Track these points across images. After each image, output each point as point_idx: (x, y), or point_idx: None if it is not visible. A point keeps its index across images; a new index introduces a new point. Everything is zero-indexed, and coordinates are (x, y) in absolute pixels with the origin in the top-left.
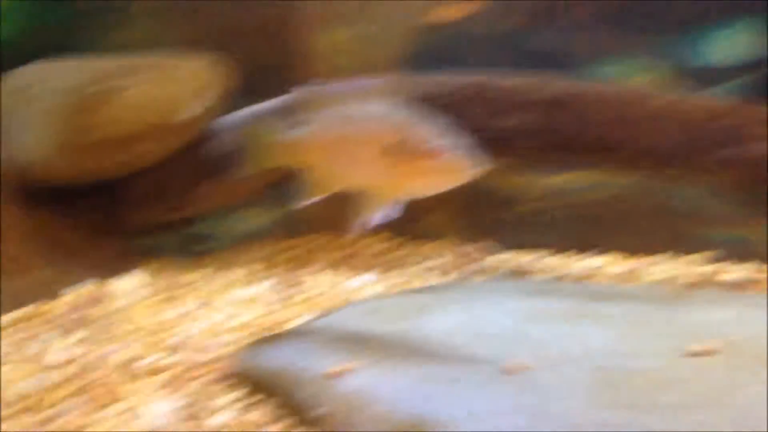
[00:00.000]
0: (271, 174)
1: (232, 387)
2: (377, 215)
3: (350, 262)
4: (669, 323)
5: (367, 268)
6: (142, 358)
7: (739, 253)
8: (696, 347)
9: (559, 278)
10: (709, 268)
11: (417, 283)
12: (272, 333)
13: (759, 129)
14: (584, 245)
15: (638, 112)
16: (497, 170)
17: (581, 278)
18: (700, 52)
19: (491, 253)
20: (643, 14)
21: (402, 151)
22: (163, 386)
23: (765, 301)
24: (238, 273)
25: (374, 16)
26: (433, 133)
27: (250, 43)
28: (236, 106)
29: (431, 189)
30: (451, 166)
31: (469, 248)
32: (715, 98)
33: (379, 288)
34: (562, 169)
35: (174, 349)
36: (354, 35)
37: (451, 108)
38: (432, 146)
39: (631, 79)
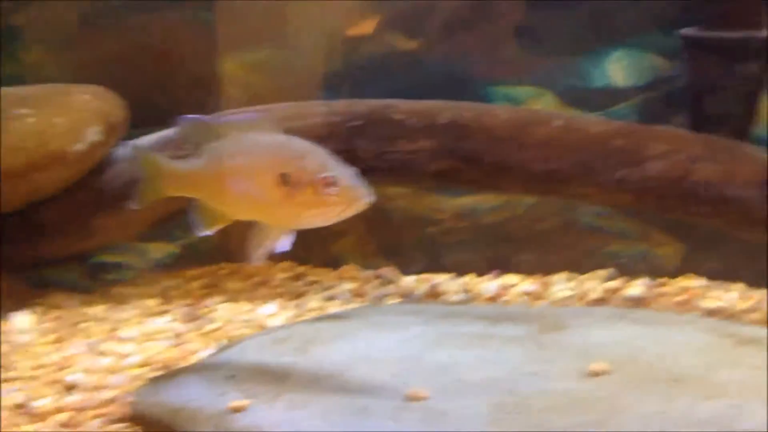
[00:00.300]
0: (172, 204)
1: (132, 426)
2: (273, 245)
3: (256, 291)
4: (571, 343)
5: (273, 297)
6: (39, 398)
7: (642, 268)
8: (596, 366)
9: (469, 300)
10: (613, 284)
11: (323, 311)
12: (176, 367)
13: (654, 148)
14: (494, 265)
15: (536, 134)
16: (404, 193)
17: (491, 299)
18: (597, 74)
19: (399, 276)
20: (539, 37)
21: (294, 182)
22: (62, 426)
23: (666, 316)
24: (142, 306)
25: (286, 38)
26: (324, 164)
27: (152, 70)
28: (134, 136)
29: (325, 219)
30: (342, 196)
31: (377, 273)
32: (610, 120)
33: (285, 317)
34: (467, 191)
35: (72, 388)
36: (265, 58)
37: (355, 132)
38: (323, 177)
39: (529, 101)
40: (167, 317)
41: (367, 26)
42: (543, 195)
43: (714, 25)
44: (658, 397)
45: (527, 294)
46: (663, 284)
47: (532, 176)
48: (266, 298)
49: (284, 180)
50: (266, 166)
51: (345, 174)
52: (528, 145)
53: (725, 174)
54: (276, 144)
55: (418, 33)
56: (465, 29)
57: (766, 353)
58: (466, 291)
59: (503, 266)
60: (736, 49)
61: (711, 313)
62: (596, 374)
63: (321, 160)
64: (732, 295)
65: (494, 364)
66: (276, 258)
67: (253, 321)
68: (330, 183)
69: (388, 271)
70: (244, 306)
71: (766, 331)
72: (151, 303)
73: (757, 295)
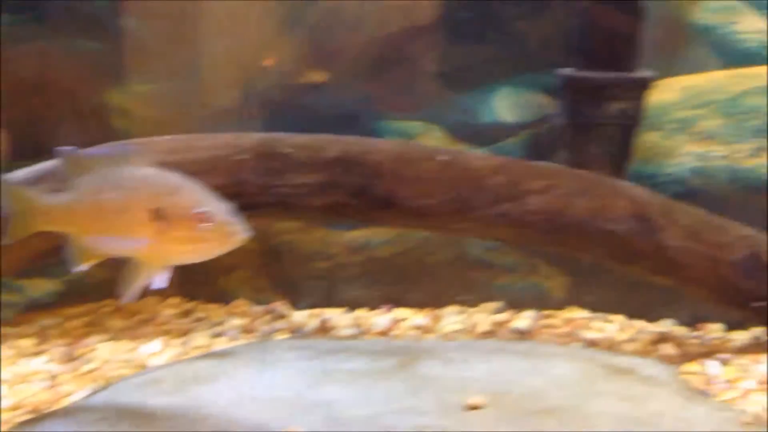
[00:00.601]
0: (49, 240)
1: None
2: (148, 282)
3: (141, 329)
4: (453, 377)
5: (158, 334)
6: None
7: (529, 301)
8: (473, 400)
9: (359, 334)
10: (501, 317)
11: (209, 349)
12: (46, 411)
13: (534, 184)
14: (386, 299)
15: (419, 169)
16: (297, 227)
17: (381, 333)
18: (484, 110)
19: (291, 311)
20: (427, 73)
21: (167, 217)
22: None
23: (546, 348)
24: (17, 346)
25: (175, 70)
26: (198, 199)
27: (34, 101)
28: (10, 168)
29: (200, 255)
30: (217, 231)
31: (268, 308)
32: (493, 155)
33: (169, 356)
34: (355, 226)
35: None
36: (155, 89)
37: (241, 166)
38: (197, 212)
39: (419, 136)
40: (43, 358)
41: (271, 59)
42: (425, 230)
43: (590, 66)
44: (531, 429)
45: (418, 328)
46: (549, 316)
47: (414, 211)
48: (150, 336)
49: (157, 215)
50: (138, 200)
51: (220, 209)
52: (411, 179)
53: (600, 209)
54: (148, 178)
55: (329, 66)
56: (367, 65)
57: (638, 383)
58: (356, 325)
59: (395, 300)
60: (609, 88)
61: (592, 343)
62: (473, 408)
63: (195, 194)
64: (613, 326)
65: (375, 399)
66: (164, 294)
67: (133, 360)
68: (204, 218)
69: (279, 306)
70: (125, 345)
71: (640, 360)
72: (27, 343)
73: (638, 325)
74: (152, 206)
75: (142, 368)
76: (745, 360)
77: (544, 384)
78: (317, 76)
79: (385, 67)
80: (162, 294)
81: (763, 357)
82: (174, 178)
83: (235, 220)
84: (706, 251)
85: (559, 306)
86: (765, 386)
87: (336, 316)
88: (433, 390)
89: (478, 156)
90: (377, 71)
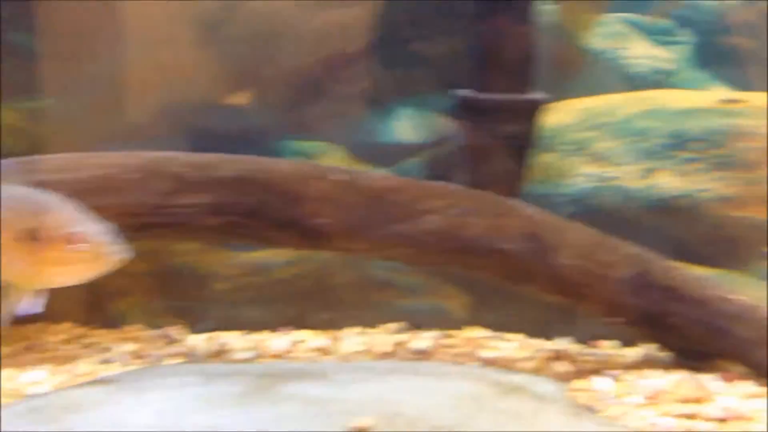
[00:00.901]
0: None
1: None
2: (20, 306)
3: (24, 356)
4: (343, 399)
5: (43, 362)
6: None
7: (431, 321)
8: (360, 423)
9: (256, 358)
10: (401, 338)
11: (95, 375)
12: None
13: (431, 204)
14: (286, 321)
15: (314, 189)
16: (194, 248)
17: (278, 356)
18: (386, 130)
19: (187, 335)
20: (331, 94)
21: (37, 238)
22: None
23: (440, 368)
24: None
25: (71, 86)
26: (70, 219)
27: None
28: None
29: (74, 277)
30: (92, 252)
31: (163, 332)
32: (391, 175)
33: (52, 384)
34: (256, 247)
35: None
36: (47, 106)
37: (131, 185)
38: (69, 232)
39: (320, 156)
40: None
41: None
42: (322, 250)
43: (484, 88)
44: None
45: (317, 350)
46: (449, 336)
47: (310, 231)
48: (34, 364)
49: (28, 235)
50: (7, 220)
51: (95, 229)
52: (307, 199)
53: (494, 228)
54: (19, 197)
55: (239, 86)
56: (273, 87)
57: (529, 400)
58: (253, 348)
59: (295, 322)
60: (503, 110)
61: (490, 362)
62: (359, 431)
63: (68, 214)
64: (511, 345)
65: (260, 423)
66: (54, 319)
67: (11, 390)
68: (78, 239)
69: (174, 330)
70: (7, 372)
71: (532, 378)
72: None
73: (536, 343)
74: (22, 226)
75: (20, 397)
76: (634, 376)
77: (433, 403)
78: (224, 94)
79: (291, 89)
80: (51, 319)
81: (650, 372)
82: (47, 198)
83: (112, 240)
84: (596, 270)
85: (461, 326)
86: (651, 401)
87: (233, 339)
88: (321, 413)
89: (375, 176)
90: (282, 93)
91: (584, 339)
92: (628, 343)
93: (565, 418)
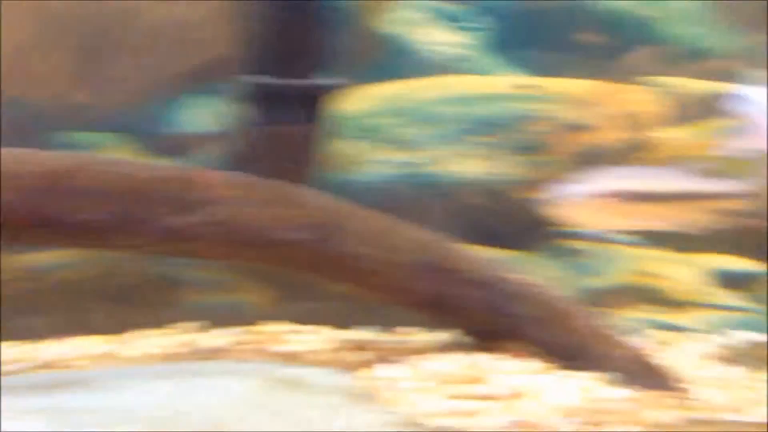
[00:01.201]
0: None
1: None
2: None
3: None
4: (114, 406)
5: None
6: None
7: (231, 318)
8: (130, 429)
9: (32, 368)
10: (194, 337)
11: None
12: None
13: (217, 193)
14: (67, 327)
15: (74, 182)
16: None
17: (56, 365)
18: (175, 120)
19: None
20: (120, 82)
21: None
22: None
23: (224, 366)
24: None
25: None
26: None
27: None
28: None
29: None
30: None
31: None
32: (165, 165)
33: None
34: (31, 248)
35: None
36: None
37: None
38: None
39: (105, 147)
40: None
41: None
42: (90, 248)
43: (271, 73)
44: None
45: (100, 356)
46: (247, 332)
47: (72, 227)
48: None
49: None
50: None
51: None
52: (65, 194)
53: (283, 218)
54: None
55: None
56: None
57: (310, 392)
58: (27, 359)
59: (78, 327)
60: (289, 96)
61: (289, 356)
62: None
63: None
64: (308, 338)
65: None
66: None
67: None
68: None
69: None
70: None
71: (316, 370)
72: None
73: (334, 335)
74: None
75: None
76: (418, 361)
77: (208, 405)
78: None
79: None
80: None
81: (442, 356)
82: None
83: None
84: (383, 255)
85: (262, 321)
86: (435, 386)
87: (4, 349)
88: (88, 424)
89: (146, 165)
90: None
91: (390, 328)
92: (433, 329)
93: (332, 409)
